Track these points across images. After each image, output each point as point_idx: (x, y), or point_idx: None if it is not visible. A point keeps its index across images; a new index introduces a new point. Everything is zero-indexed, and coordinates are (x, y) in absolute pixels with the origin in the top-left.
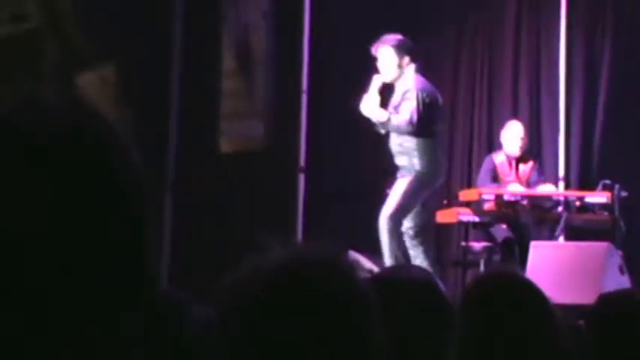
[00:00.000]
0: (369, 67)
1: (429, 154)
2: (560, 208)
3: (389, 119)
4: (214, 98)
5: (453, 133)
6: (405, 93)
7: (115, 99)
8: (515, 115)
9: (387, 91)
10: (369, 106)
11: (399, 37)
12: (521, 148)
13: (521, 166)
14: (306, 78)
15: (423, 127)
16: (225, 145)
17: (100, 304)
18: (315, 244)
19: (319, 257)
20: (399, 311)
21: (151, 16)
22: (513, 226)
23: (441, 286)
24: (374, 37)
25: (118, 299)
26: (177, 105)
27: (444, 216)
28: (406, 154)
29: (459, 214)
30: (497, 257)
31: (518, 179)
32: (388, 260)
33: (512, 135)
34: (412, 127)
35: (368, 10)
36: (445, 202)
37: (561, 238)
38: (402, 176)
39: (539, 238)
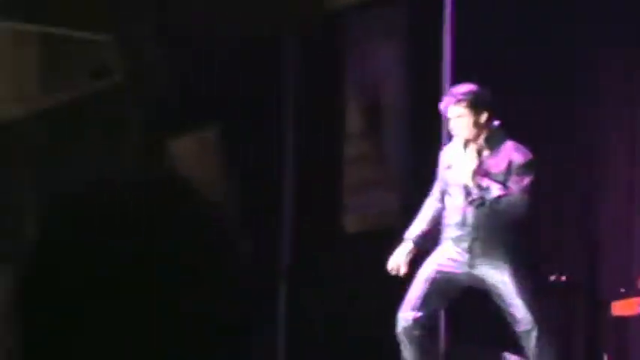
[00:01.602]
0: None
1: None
2: None
3: (506, 194)
4: (336, 166)
5: (632, 194)
6: (521, 165)
7: (217, 168)
8: None
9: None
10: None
11: (474, 89)
12: None
13: None
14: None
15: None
16: (352, 224)
17: None
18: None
19: None
20: None
21: (260, 71)
22: None
23: None
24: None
25: None
26: (292, 175)
27: (622, 308)
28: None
29: None
30: None
31: None
32: None
33: None
34: (528, 207)
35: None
36: (622, 290)
37: None
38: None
39: None
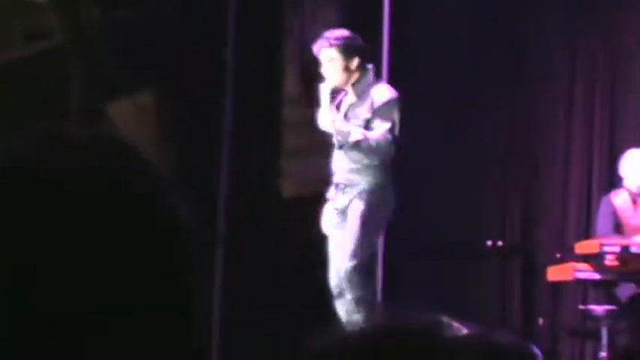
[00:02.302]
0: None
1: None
2: None
3: (365, 137)
4: (274, 131)
5: (568, 169)
6: (381, 106)
7: (154, 131)
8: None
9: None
10: (331, 120)
11: (345, 34)
12: None
13: None
14: None
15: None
16: (288, 188)
17: None
18: (403, 310)
19: (419, 326)
20: None
21: (199, 31)
22: None
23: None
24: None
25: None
26: (229, 139)
27: (557, 273)
28: (359, 173)
29: (575, 270)
30: (622, 324)
31: None
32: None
33: (635, 166)
34: (393, 147)
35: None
36: (558, 255)
37: None
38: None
39: None
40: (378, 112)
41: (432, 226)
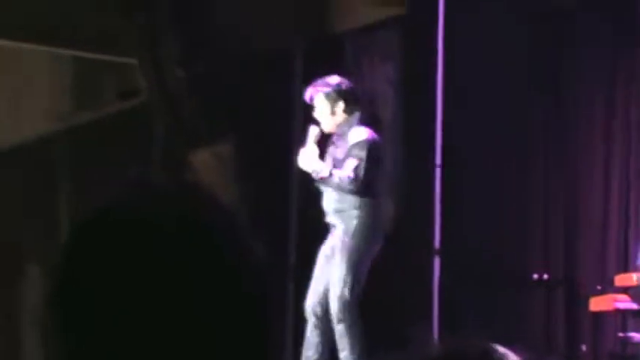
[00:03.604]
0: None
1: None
2: None
3: (331, 174)
4: None
5: (607, 206)
6: (353, 146)
7: (231, 176)
8: None
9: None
10: (309, 159)
11: (333, 81)
12: None
13: None
14: (440, 152)
15: (368, 185)
16: None
17: None
18: (463, 339)
19: (474, 353)
20: None
21: (270, 88)
22: None
23: None
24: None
25: None
26: (297, 181)
27: (598, 303)
28: (344, 212)
29: (615, 301)
30: None
31: None
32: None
33: None
34: (355, 185)
35: (504, 73)
36: (599, 287)
37: None
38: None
39: None
40: (350, 151)
41: (483, 258)
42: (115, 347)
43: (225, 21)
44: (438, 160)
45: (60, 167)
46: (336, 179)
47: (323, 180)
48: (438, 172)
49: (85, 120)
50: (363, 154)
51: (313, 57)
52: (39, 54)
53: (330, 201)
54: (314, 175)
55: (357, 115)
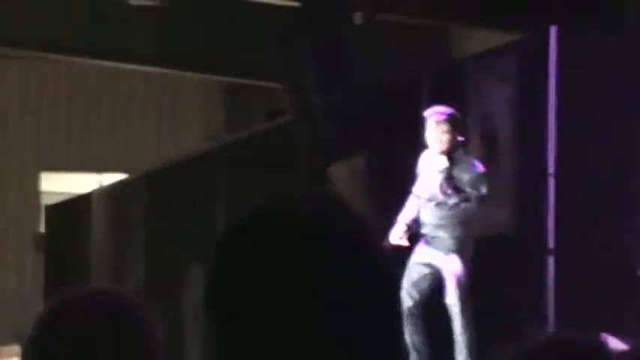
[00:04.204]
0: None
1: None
2: None
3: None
4: None
5: None
6: (474, 178)
7: (364, 187)
8: None
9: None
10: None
11: (454, 111)
12: None
13: None
14: (553, 162)
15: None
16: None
17: None
18: (572, 330)
19: (583, 341)
20: None
21: (396, 105)
22: None
23: None
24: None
25: None
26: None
27: None
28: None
29: None
30: None
31: None
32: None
33: None
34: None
35: (618, 94)
36: None
37: None
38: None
39: None
40: (473, 182)
41: (594, 255)
42: (264, 341)
43: (359, 51)
44: (551, 169)
45: (216, 180)
46: (468, 205)
47: (455, 204)
48: (551, 181)
49: (237, 138)
50: (484, 186)
51: (438, 83)
52: (195, 80)
53: (434, 217)
54: (443, 198)
55: (464, 143)
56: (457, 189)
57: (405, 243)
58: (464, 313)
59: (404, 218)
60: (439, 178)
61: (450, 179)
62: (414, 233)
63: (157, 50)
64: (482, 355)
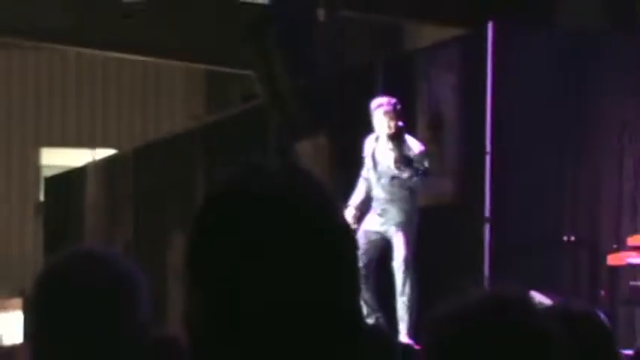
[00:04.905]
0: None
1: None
2: None
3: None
4: None
5: (621, 183)
6: (419, 155)
7: (326, 162)
8: None
9: None
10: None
11: (392, 101)
12: None
13: None
14: (490, 141)
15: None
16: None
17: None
18: (504, 286)
19: (513, 295)
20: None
21: (354, 90)
22: None
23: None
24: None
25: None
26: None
27: (614, 259)
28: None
29: (627, 257)
30: None
31: None
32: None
33: None
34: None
35: (546, 81)
36: (615, 246)
37: None
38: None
39: None
40: (418, 158)
41: (526, 224)
42: (234, 298)
43: (322, 42)
44: (488, 147)
45: (196, 155)
46: (417, 179)
47: (407, 179)
48: (488, 157)
49: (216, 119)
50: (427, 161)
51: (391, 71)
52: (179, 68)
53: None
54: (397, 174)
55: (402, 126)
56: (409, 164)
57: (355, 225)
58: (409, 276)
59: (353, 202)
60: (392, 156)
61: (402, 156)
62: (363, 214)
63: (145, 42)
64: (424, 311)
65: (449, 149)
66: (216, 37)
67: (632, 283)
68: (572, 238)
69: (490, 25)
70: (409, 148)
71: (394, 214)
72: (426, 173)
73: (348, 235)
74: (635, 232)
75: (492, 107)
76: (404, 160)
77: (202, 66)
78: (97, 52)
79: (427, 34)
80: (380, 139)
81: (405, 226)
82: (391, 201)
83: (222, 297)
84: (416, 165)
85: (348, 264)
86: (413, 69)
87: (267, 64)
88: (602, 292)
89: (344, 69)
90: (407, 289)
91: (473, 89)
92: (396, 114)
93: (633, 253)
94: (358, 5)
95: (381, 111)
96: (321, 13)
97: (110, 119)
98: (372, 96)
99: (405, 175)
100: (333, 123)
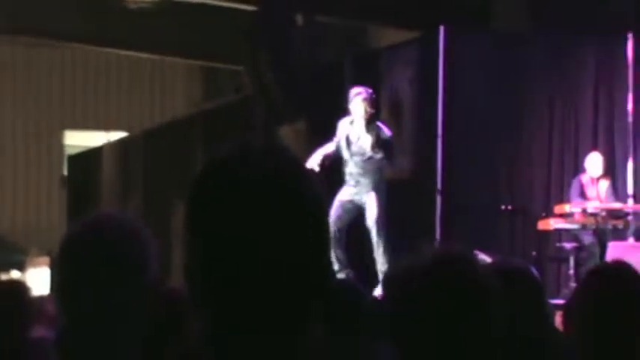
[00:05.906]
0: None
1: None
2: (630, 217)
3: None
4: None
5: (550, 163)
6: (387, 139)
7: (305, 145)
8: (596, 148)
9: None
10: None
11: (368, 91)
12: (601, 171)
13: (601, 185)
14: (441, 126)
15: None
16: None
17: (299, 291)
18: (452, 246)
19: (459, 253)
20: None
21: (328, 83)
22: (595, 231)
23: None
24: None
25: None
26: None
27: (543, 224)
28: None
29: (554, 223)
30: (583, 254)
31: (598, 194)
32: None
33: (594, 162)
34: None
35: (487, 75)
36: (544, 214)
37: (631, 239)
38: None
39: (614, 240)
40: (385, 141)
41: (471, 193)
42: (226, 257)
43: (300, 43)
44: (440, 131)
45: (195, 138)
46: (385, 160)
47: (379, 159)
48: (439, 140)
49: (211, 107)
50: (393, 144)
51: (358, 66)
52: (181, 63)
53: (359, 167)
54: (371, 154)
55: (374, 112)
56: (383, 147)
57: (317, 169)
58: (382, 231)
59: (322, 151)
60: (369, 139)
61: (378, 140)
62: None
63: (152, 41)
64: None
65: (407, 133)
66: (212, 38)
67: (557, 244)
68: (509, 207)
69: (442, 29)
70: (383, 133)
71: (366, 184)
72: (391, 154)
73: (320, 201)
74: (561, 202)
75: (443, 98)
76: (379, 143)
77: (201, 62)
78: (111, 50)
79: (388, 36)
80: (355, 123)
81: (376, 192)
82: (363, 174)
83: (214, 248)
84: (388, 148)
85: (318, 226)
86: (377, 65)
87: (255, 61)
88: (534, 253)
89: (319, 65)
90: (381, 243)
91: (427, 82)
92: (371, 102)
93: (559, 220)
94: (330, 11)
95: (359, 98)
96: (299, 18)
97: (123, 106)
98: (344, 88)
99: (378, 156)
100: (311, 111)
